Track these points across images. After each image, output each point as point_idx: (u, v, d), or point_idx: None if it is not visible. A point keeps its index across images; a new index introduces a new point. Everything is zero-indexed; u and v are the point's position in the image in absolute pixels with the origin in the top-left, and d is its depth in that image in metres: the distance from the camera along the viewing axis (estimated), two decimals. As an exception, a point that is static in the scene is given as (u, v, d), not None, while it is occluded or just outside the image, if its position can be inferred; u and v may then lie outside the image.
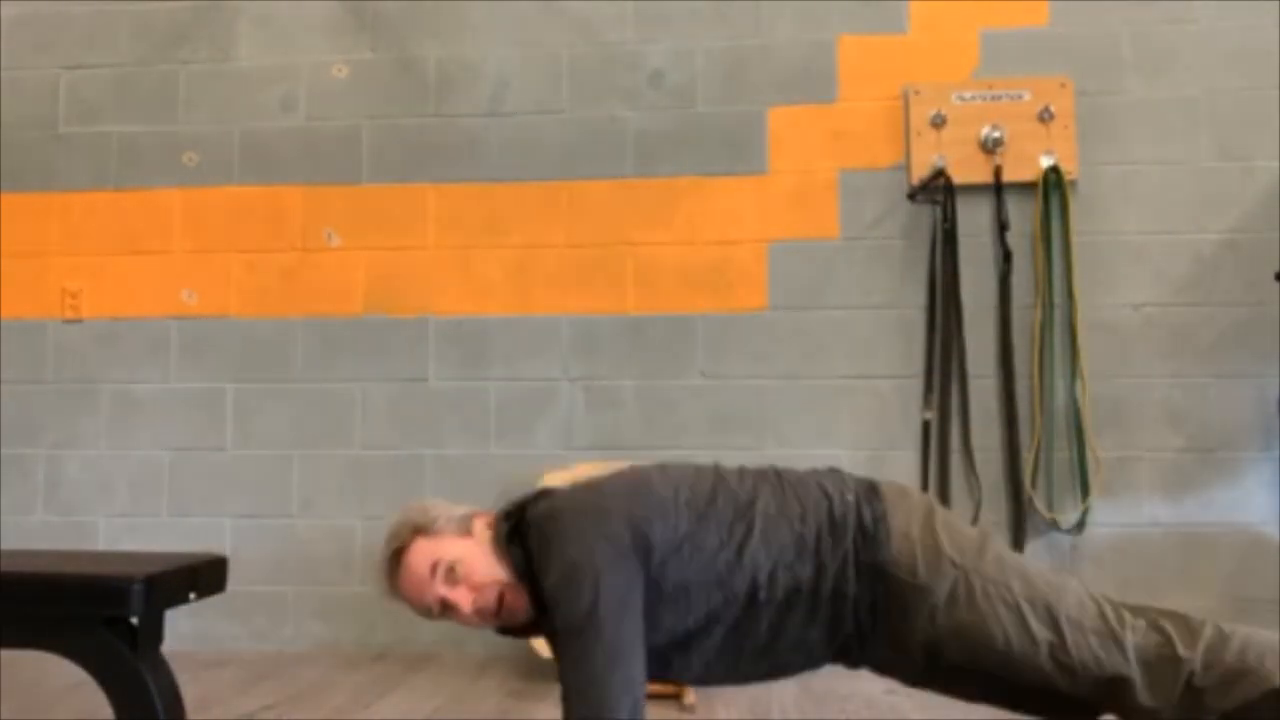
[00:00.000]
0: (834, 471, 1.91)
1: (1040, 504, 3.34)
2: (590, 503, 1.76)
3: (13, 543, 3.55)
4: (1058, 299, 3.41)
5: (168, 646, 1.95)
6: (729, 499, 1.79)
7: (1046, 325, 3.39)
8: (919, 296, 3.46)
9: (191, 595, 1.97)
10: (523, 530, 1.78)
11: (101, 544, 3.61)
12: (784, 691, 2.93)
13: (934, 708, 2.74)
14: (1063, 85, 3.44)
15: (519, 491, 1.89)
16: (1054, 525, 3.34)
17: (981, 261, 3.45)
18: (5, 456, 3.68)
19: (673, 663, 1.78)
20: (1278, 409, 3.31)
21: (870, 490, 1.84)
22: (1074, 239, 3.40)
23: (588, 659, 1.62)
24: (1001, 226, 3.42)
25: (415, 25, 3.71)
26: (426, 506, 1.86)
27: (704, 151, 3.57)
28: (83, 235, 3.74)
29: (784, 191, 3.54)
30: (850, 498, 1.80)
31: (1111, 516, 3.35)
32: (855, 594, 1.75)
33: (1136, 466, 3.36)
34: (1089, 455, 3.33)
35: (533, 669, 3.19)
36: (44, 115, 3.79)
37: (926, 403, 3.43)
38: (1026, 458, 3.36)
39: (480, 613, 1.78)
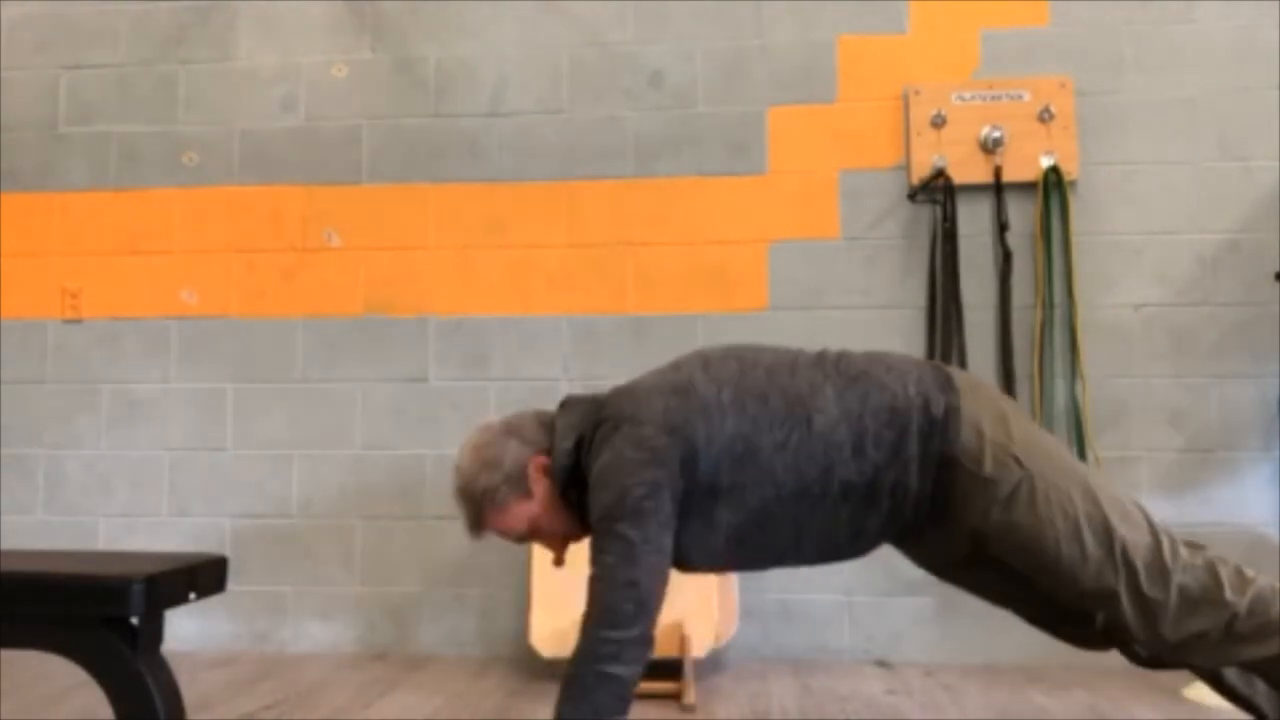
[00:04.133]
0: (903, 359, 1.89)
1: (1040, 504, 3.34)
2: (627, 410, 1.78)
3: (13, 543, 3.56)
4: (1058, 299, 3.41)
5: (168, 646, 1.95)
6: (781, 395, 1.79)
7: (1046, 325, 3.39)
8: (919, 296, 3.46)
9: (191, 595, 1.97)
10: (581, 457, 1.82)
11: (101, 544, 3.61)
12: (784, 691, 2.94)
13: (934, 708, 2.75)
14: (1063, 85, 3.44)
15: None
16: (1054, 525, 3.34)
17: (981, 261, 3.45)
18: (5, 456, 3.68)
19: (734, 555, 1.84)
20: (1278, 409, 3.31)
21: (944, 381, 1.82)
22: (1074, 239, 3.40)
23: (601, 557, 1.70)
24: (1001, 226, 3.42)
25: (415, 25, 3.71)
26: (477, 473, 1.87)
27: (704, 151, 3.57)
28: (83, 235, 3.74)
29: (784, 191, 3.53)
30: (913, 391, 1.79)
31: (1111, 516, 3.35)
32: (918, 487, 1.77)
33: (1136, 466, 3.36)
34: (1089, 455, 3.33)
35: (533, 669, 3.19)
36: (44, 115, 3.79)
37: (926, 403, 3.42)
38: (1026, 458, 3.36)
39: (565, 542, 1.93)
